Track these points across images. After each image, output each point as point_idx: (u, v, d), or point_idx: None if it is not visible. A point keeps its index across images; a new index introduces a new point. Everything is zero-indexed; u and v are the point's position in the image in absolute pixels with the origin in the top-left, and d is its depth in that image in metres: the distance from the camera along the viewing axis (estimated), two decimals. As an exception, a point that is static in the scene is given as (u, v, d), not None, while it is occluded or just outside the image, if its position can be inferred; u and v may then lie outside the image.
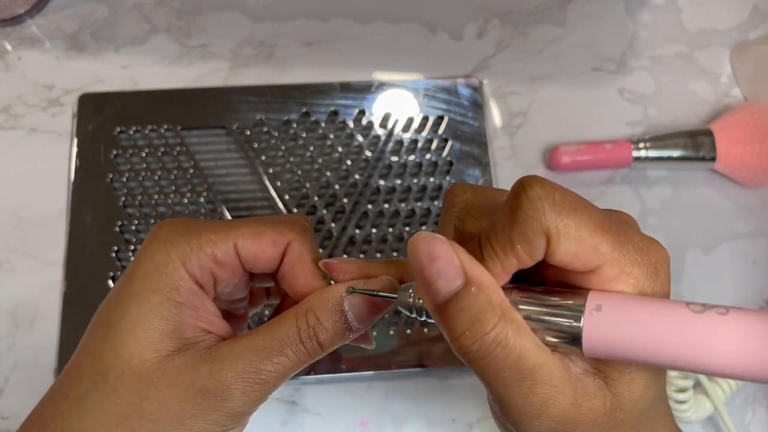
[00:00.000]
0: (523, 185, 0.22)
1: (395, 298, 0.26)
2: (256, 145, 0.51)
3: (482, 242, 0.23)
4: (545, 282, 0.25)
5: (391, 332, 0.47)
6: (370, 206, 0.50)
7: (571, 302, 0.23)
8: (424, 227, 0.50)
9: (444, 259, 0.21)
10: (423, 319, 0.26)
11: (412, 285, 0.26)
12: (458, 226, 0.25)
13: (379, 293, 0.27)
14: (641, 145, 0.51)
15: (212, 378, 0.25)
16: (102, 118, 0.52)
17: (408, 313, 0.26)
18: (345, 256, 0.49)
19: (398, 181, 0.51)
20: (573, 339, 0.22)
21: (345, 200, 0.50)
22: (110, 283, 0.47)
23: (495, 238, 0.22)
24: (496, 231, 0.22)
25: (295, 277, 0.28)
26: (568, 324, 0.22)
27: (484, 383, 0.23)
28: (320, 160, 0.51)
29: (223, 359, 0.26)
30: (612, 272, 0.22)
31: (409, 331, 0.47)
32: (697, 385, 0.46)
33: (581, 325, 0.22)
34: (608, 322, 0.22)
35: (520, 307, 0.23)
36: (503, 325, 0.21)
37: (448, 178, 0.51)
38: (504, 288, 0.23)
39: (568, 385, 0.23)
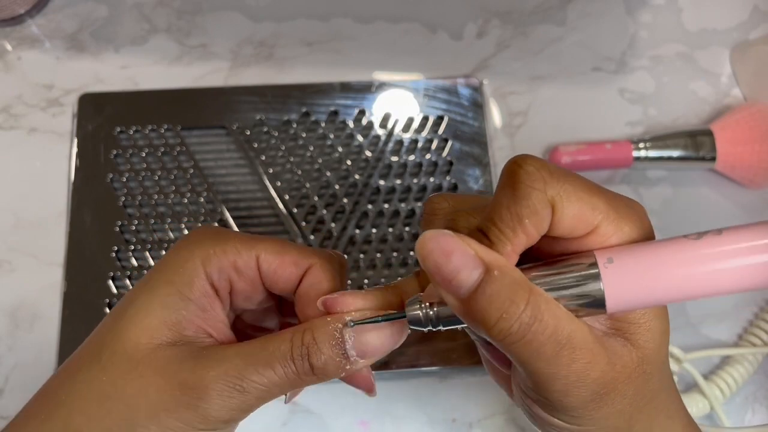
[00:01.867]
0: (517, 162, 0.23)
1: (404, 316, 0.25)
2: (256, 145, 0.51)
3: (486, 228, 0.23)
4: (542, 259, 0.25)
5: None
6: (370, 206, 0.50)
7: (580, 264, 0.23)
8: (424, 227, 0.50)
9: (459, 252, 0.21)
10: (438, 329, 0.25)
11: (417, 298, 0.25)
12: (450, 227, 0.25)
13: (386, 316, 0.26)
14: (641, 145, 0.51)
15: (194, 374, 0.25)
16: (102, 118, 0.52)
17: (421, 329, 0.25)
18: (345, 256, 0.49)
19: (398, 181, 0.51)
20: (593, 300, 0.23)
21: (345, 200, 0.50)
22: (110, 283, 0.47)
23: (500, 218, 0.23)
24: (501, 212, 0.23)
25: (307, 302, 0.28)
26: (586, 284, 0.23)
27: (523, 365, 0.23)
28: (320, 160, 0.51)
29: (211, 358, 0.25)
30: (609, 229, 0.23)
31: (409, 331, 0.47)
32: (694, 386, 0.46)
33: (600, 279, 0.23)
34: (624, 270, 0.23)
35: (536, 282, 0.23)
36: (535, 299, 0.22)
37: (448, 178, 0.51)
38: None
39: (600, 347, 0.23)
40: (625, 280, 0.23)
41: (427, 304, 0.24)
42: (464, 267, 0.21)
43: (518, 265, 0.24)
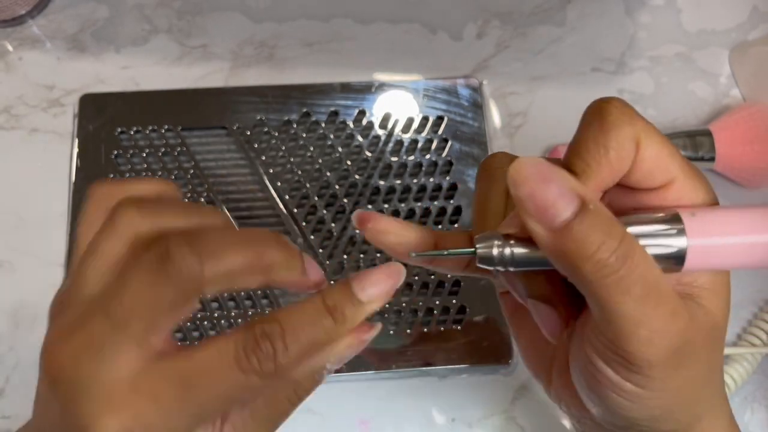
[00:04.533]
0: (604, 99, 0.23)
1: (473, 253, 0.23)
2: (256, 146, 0.52)
3: (570, 160, 0.23)
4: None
5: (391, 332, 0.47)
6: (370, 206, 0.50)
7: (662, 215, 0.23)
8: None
9: (558, 181, 0.21)
10: (507, 269, 0.23)
11: (490, 235, 0.23)
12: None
13: (452, 252, 0.24)
14: (641, 145, 0.51)
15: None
16: (103, 118, 0.52)
17: (488, 267, 0.23)
18: (345, 256, 0.49)
19: (398, 182, 0.51)
20: (674, 252, 0.22)
21: (345, 200, 0.50)
22: (111, 283, 0.47)
23: (587, 149, 0.23)
24: (588, 143, 0.23)
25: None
26: (669, 235, 0.22)
27: (609, 306, 0.21)
28: (320, 161, 0.51)
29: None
30: (687, 184, 0.23)
31: (409, 330, 0.47)
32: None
33: (684, 233, 0.22)
34: (707, 225, 0.22)
35: None
36: (629, 237, 0.21)
37: (447, 178, 0.51)
38: None
39: (682, 301, 0.23)
40: (709, 235, 0.22)
41: (501, 242, 0.23)
42: (562, 196, 0.21)
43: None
